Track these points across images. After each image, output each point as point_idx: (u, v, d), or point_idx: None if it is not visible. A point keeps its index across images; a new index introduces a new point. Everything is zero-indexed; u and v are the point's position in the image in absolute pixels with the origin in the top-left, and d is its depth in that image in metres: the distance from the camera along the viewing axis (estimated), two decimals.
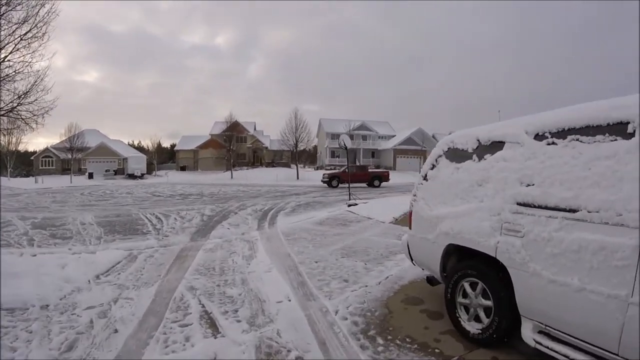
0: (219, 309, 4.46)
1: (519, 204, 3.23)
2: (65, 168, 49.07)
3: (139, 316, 4.32)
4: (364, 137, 57.47)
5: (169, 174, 49.60)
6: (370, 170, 31.95)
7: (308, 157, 63.99)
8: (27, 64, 7.67)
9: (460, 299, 3.89)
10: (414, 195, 4.62)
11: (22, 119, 7.98)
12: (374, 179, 29.27)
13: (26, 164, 52.31)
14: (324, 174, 30.60)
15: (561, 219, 2.87)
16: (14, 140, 42.76)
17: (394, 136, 59.96)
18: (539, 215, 3.04)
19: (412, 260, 4.82)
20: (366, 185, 28.56)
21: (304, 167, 50.80)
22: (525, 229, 3.14)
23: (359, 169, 30.82)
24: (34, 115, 8.14)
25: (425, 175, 4.50)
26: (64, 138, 46.31)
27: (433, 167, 4.43)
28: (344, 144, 16.79)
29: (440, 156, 4.37)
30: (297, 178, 40.91)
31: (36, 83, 7.90)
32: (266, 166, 56.02)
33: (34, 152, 54.51)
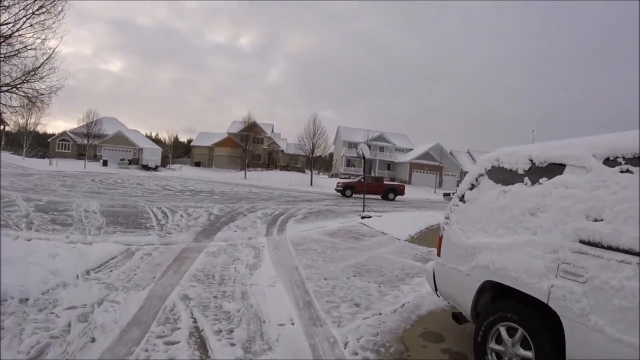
0: (212, 327, 3.90)
1: (582, 242, 2.63)
2: (80, 153, 49.28)
3: (122, 325, 3.80)
4: (381, 149, 56.77)
5: (183, 168, 49.46)
6: (385, 182, 31.25)
7: (323, 164, 63.42)
8: (39, 40, 7.32)
9: (492, 345, 3.28)
10: (447, 219, 4.02)
11: (28, 97, 7.60)
12: (389, 192, 28.54)
13: (43, 145, 52.84)
14: (338, 183, 30.01)
15: (636, 266, 2.28)
16: (32, 120, 43.27)
17: (411, 150, 59.18)
18: (609, 259, 2.46)
19: (436, 290, 4.22)
20: (380, 198, 27.84)
21: (319, 173, 50.21)
22: (589, 274, 2.54)
23: (374, 180, 30.15)
24: (41, 94, 7.77)
25: (463, 196, 3.90)
26: (82, 123, 46.69)
27: (472, 187, 3.84)
28: (362, 154, 16.24)
29: (481, 175, 3.78)
30: (311, 184, 40.36)
31: (45, 62, 7.54)
32: (281, 169, 55.66)
33: (52, 135, 55.04)
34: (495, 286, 3.37)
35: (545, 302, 2.79)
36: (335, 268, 6.61)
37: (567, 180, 2.93)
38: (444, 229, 4.09)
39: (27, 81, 7.34)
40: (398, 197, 29.27)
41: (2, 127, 39.70)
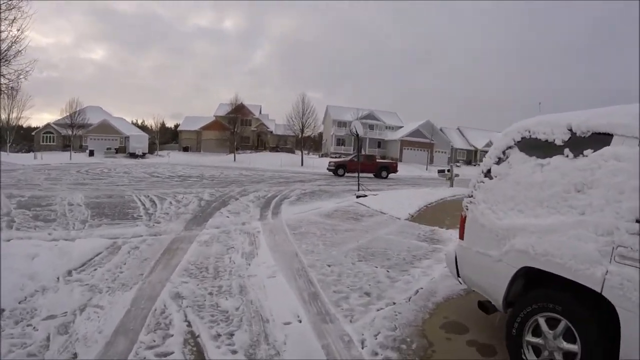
0: (210, 331, 3.44)
1: None
2: (66, 144, 47.82)
3: (107, 335, 3.33)
4: (371, 127, 56.09)
5: (171, 154, 48.49)
6: (377, 160, 30.81)
7: (313, 144, 62.72)
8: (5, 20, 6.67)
9: (529, 337, 2.88)
10: (471, 197, 3.58)
11: None
12: (382, 170, 28.17)
13: (28, 139, 51.31)
14: (330, 162, 29.53)
15: None
16: (14, 115, 42.13)
17: (401, 127, 58.58)
18: None
19: (458, 276, 3.81)
20: (373, 176, 27.44)
21: (308, 153, 49.61)
22: None
23: (366, 158, 29.75)
24: (9, 79, 7.13)
25: (488, 170, 3.45)
26: (65, 114, 45.34)
27: (499, 160, 3.39)
28: (355, 131, 15.73)
29: (510, 147, 3.33)
30: (302, 164, 39.76)
31: (11, 44, 6.89)
32: (270, 151, 54.87)
33: (37, 128, 53.51)
34: (530, 272, 2.96)
35: (599, 290, 2.38)
36: (337, 253, 6.17)
37: (617, 152, 2.49)
38: (467, 209, 3.65)
39: None
40: (391, 175, 28.92)
41: None
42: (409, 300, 4.38)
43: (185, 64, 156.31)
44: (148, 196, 12.15)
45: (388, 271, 5.35)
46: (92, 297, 4.19)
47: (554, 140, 2.95)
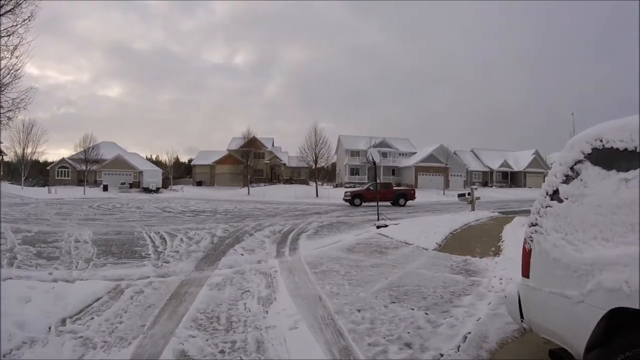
0: None
1: None
2: (80, 179, 48.26)
3: None
4: (384, 154, 55.49)
5: (185, 188, 48.45)
6: (394, 187, 30.09)
7: (326, 175, 62.19)
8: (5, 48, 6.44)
9: None
10: (534, 225, 2.92)
11: None
12: (399, 197, 27.39)
13: (44, 173, 52.10)
14: (345, 192, 28.98)
15: None
16: (28, 150, 43.10)
17: (414, 153, 57.90)
18: None
19: (521, 320, 3.11)
20: (390, 204, 26.68)
21: (322, 184, 48.99)
22: None
23: (383, 186, 28.98)
24: (6, 109, 6.84)
25: (555, 192, 2.81)
26: (79, 149, 46.07)
27: (568, 179, 2.75)
28: (372, 159, 15.16)
29: (580, 162, 2.69)
30: (317, 196, 39.17)
31: (11, 72, 6.62)
32: (284, 183, 54.52)
33: (52, 163, 54.43)
34: (616, 314, 2.28)
35: None
36: (366, 294, 5.44)
37: None
38: (531, 240, 2.98)
39: None
40: (409, 202, 28.12)
41: (0, 157, 39.61)
42: (458, 349, 3.65)
43: (200, 98, 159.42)
44: (158, 232, 11.64)
45: (427, 313, 4.63)
46: (84, 353, 3.60)
47: (636, 148, 2.33)
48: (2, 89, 6.57)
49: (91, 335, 3.98)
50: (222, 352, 3.61)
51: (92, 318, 4.51)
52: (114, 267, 7.33)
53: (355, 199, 27.15)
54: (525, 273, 2.99)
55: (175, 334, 4.00)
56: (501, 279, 6.00)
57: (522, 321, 3.12)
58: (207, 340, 3.86)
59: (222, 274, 6.68)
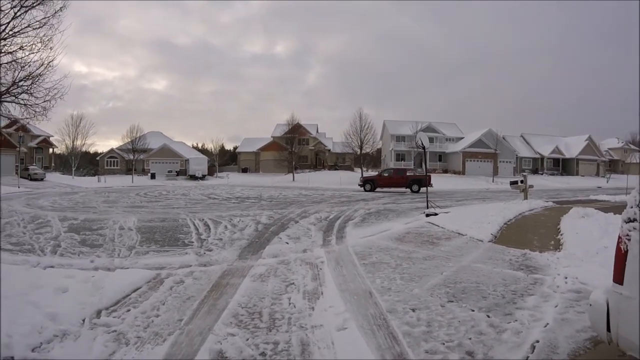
0: None
1: None
2: (129, 168, 50.24)
3: None
4: (431, 139, 53.60)
5: (230, 175, 49.16)
6: (408, 174, 29.01)
7: (371, 160, 61.14)
8: (39, 40, 6.34)
9: None
10: (633, 221, 2.29)
11: (26, 105, 6.61)
12: (413, 184, 26.28)
13: (94, 164, 54.71)
14: (360, 178, 29.27)
15: None
16: (78, 142, 45.52)
17: (462, 138, 55.56)
18: None
19: (608, 332, 2.51)
20: (409, 190, 25.80)
21: (367, 170, 48.17)
22: None
23: (395, 172, 28.89)
24: (36, 103, 6.78)
25: None
26: (126, 140, 47.98)
27: None
28: (421, 143, 14.44)
29: None
30: None
31: (45, 67, 6.53)
32: (329, 169, 54.17)
33: (101, 153, 57.05)
34: None
35: None
36: (420, 290, 4.87)
37: None
38: (628, 239, 2.35)
39: (20, 87, 6.32)
40: (458, 189, 27.03)
41: (51, 150, 41.89)
42: None
43: (241, 88, 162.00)
44: (203, 219, 11.54)
45: (488, 316, 4.02)
46: (115, 350, 3.33)
47: None
48: (36, 79, 6.49)
49: (125, 330, 3.72)
50: (262, 354, 3.21)
51: (129, 310, 4.28)
52: (156, 255, 7.19)
53: (366, 185, 26.98)
54: (619, 279, 2.38)
55: (213, 330, 3.65)
56: (566, 278, 5.21)
57: (608, 333, 2.50)
58: (247, 339, 3.47)
59: (266, 264, 6.33)
